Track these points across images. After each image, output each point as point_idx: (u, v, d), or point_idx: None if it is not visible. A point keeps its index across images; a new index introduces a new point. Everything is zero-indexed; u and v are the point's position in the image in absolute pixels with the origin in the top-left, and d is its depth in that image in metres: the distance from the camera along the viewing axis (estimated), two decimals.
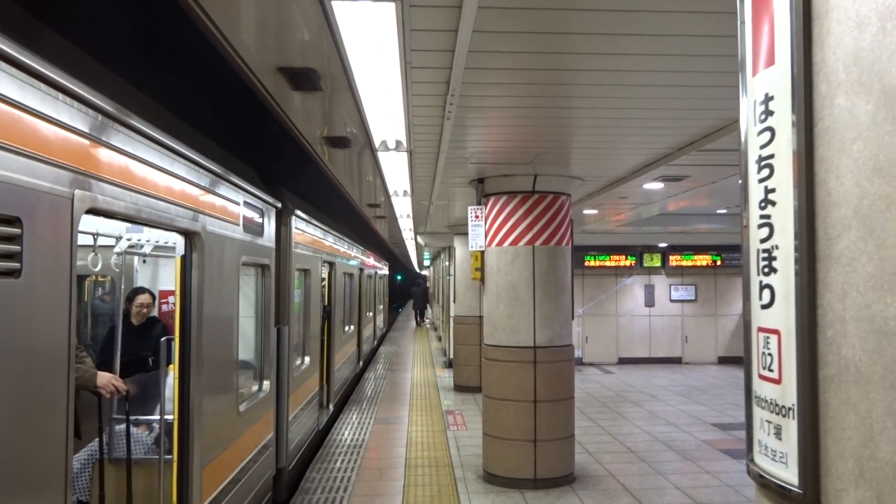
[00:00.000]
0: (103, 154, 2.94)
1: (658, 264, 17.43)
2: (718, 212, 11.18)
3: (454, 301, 14.26)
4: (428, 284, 35.45)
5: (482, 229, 7.34)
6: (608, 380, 14.65)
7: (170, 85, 5.48)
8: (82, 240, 4.29)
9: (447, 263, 18.64)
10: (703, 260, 17.36)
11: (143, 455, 4.55)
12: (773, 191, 1.39)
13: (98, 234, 4.57)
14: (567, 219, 7.17)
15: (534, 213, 6.95)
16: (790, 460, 1.35)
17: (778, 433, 1.39)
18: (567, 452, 7.03)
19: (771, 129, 1.40)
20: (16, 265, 2.25)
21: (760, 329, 1.45)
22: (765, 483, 1.44)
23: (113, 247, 4.95)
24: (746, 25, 1.51)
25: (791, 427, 1.34)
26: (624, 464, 7.82)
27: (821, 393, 1.28)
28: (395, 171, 6.59)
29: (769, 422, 1.42)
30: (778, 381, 1.38)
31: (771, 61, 1.40)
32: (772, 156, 1.40)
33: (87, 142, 2.78)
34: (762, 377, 1.45)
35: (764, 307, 1.43)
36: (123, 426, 4.40)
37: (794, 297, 1.32)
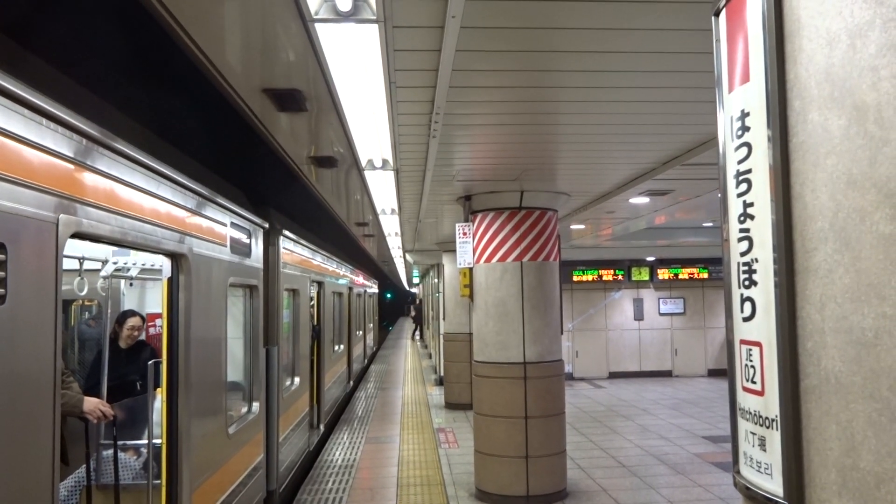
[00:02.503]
0: (88, 178, 2.93)
1: (646, 278, 17.50)
2: (705, 225, 11.26)
3: (444, 318, 14.24)
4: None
5: (470, 246, 7.35)
6: (599, 394, 14.63)
7: (155, 107, 5.48)
8: (68, 264, 4.27)
9: (436, 281, 18.63)
10: (690, 273, 17.44)
11: (131, 480, 4.50)
12: (751, 205, 1.42)
13: (84, 258, 4.55)
14: (554, 234, 7.20)
15: (521, 228, 6.98)
16: (775, 471, 1.36)
17: (762, 444, 1.40)
18: (559, 468, 7.01)
19: (748, 145, 1.42)
20: (0, 291, 2.24)
21: (743, 341, 1.47)
22: (751, 495, 1.45)
23: (99, 270, 4.92)
24: (722, 43, 1.54)
25: (775, 438, 1.35)
26: (616, 478, 7.80)
27: (803, 404, 1.29)
28: (383, 189, 6.60)
29: (754, 433, 1.43)
30: (761, 393, 1.40)
31: (746, 78, 1.43)
32: (749, 170, 1.42)
33: (71, 166, 2.78)
34: (746, 389, 1.46)
35: (745, 320, 1.45)
36: (111, 451, 4.36)
37: (775, 309, 1.34)
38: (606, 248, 14.81)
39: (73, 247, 4.17)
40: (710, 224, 11.06)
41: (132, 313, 5.19)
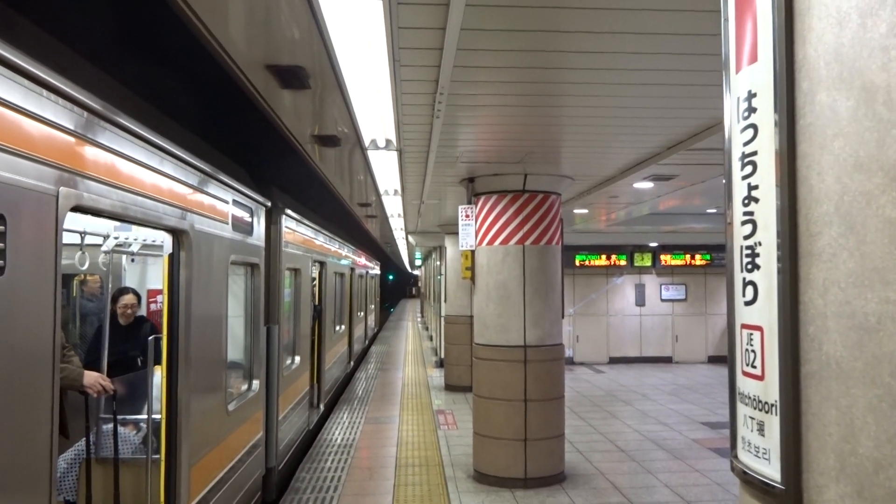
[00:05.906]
0: (89, 152, 2.92)
1: (649, 264, 17.48)
2: (708, 211, 11.21)
3: (445, 300, 14.25)
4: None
5: (472, 228, 7.34)
6: (599, 379, 14.67)
7: (158, 82, 5.45)
8: (70, 238, 4.27)
9: (438, 263, 18.63)
10: (693, 259, 17.41)
11: (130, 454, 4.52)
12: (756, 188, 1.40)
13: (85, 233, 4.54)
14: (557, 218, 7.17)
15: (524, 212, 6.95)
16: (773, 456, 1.35)
17: (761, 429, 1.39)
18: (557, 451, 7.04)
19: (754, 126, 1.40)
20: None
21: (744, 326, 1.45)
22: (748, 479, 1.44)
23: (100, 245, 4.92)
24: (730, 22, 1.51)
25: (774, 423, 1.34)
26: (614, 462, 7.84)
27: (803, 389, 1.28)
28: (386, 169, 6.58)
29: (752, 418, 1.42)
30: (761, 378, 1.39)
31: (754, 58, 1.40)
32: (755, 153, 1.40)
33: (72, 139, 2.76)
34: (745, 374, 1.45)
35: (747, 304, 1.43)
36: (111, 425, 4.38)
37: (777, 293, 1.33)
38: (609, 233, 14.78)
39: (74, 221, 4.17)
40: (714, 211, 11.02)
41: (125, 290, 5.18)
